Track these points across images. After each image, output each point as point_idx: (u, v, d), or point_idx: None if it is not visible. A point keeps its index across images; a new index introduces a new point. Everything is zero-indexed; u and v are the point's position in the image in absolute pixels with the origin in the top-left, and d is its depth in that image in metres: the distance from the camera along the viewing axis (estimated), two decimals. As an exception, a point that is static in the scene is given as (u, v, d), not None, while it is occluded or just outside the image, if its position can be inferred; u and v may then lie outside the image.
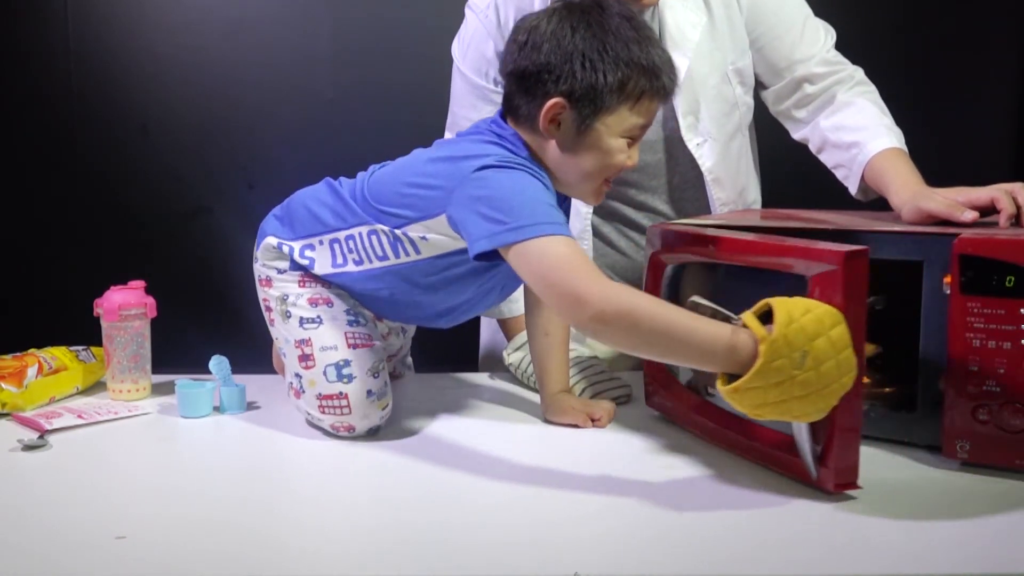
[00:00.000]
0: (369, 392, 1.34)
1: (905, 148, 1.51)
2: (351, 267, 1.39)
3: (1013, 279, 1.10)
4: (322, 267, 1.41)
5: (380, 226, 1.34)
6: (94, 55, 1.91)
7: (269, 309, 1.45)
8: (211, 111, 1.91)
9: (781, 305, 1.05)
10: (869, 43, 1.87)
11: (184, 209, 1.95)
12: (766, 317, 1.06)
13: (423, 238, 1.31)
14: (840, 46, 1.65)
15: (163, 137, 1.93)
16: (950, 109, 2.07)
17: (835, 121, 1.58)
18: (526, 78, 1.25)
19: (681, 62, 1.53)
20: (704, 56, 1.61)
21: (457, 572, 0.94)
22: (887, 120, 1.56)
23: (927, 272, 1.20)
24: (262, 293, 1.46)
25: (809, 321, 1.04)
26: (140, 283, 1.61)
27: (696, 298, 1.12)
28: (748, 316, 1.06)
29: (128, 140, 1.93)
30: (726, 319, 1.09)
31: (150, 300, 1.60)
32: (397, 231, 1.33)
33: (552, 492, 1.14)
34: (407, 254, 1.35)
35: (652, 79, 1.24)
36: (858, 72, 1.63)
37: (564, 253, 1.14)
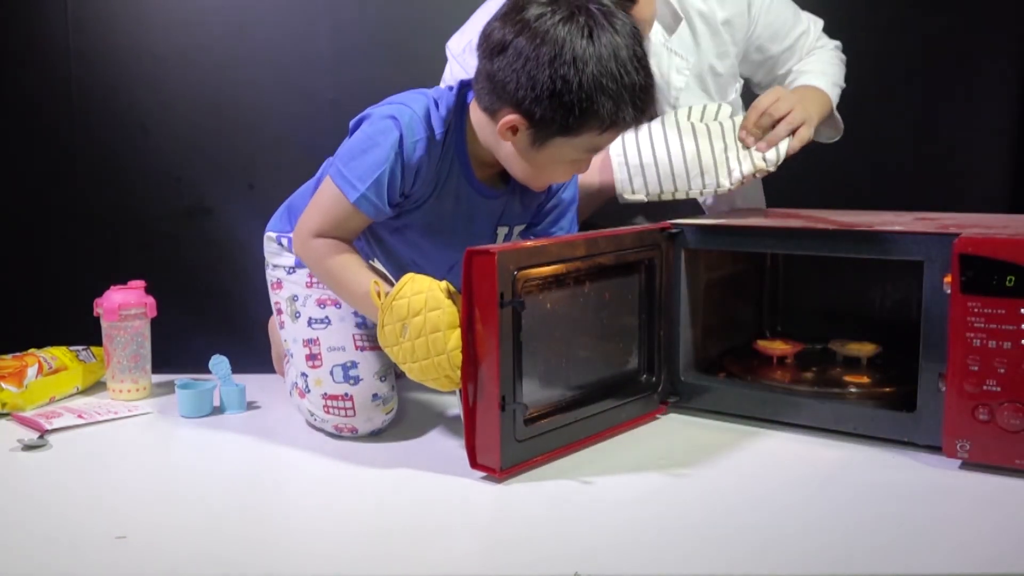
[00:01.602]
0: (375, 396, 1.34)
1: (828, 90, 1.64)
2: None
3: (1013, 279, 1.10)
4: None
5: None
6: (94, 55, 1.91)
7: (280, 312, 1.46)
8: (211, 111, 1.91)
9: (405, 281, 1.20)
10: (869, 43, 1.87)
11: (184, 209, 1.95)
12: None
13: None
14: (841, 46, 1.65)
15: (163, 137, 1.93)
16: (950, 110, 2.07)
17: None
18: (494, 82, 1.22)
19: (664, 108, 1.60)
20: (690, 96, 1.65)
21: (457, 572, 0.94)
22: (828, 68, 1.69)
23: (927, 272, 1.20)
24: (273, 297, 1.48)
25: (416, 300, 1.18)
26: (140, 283, 1.61)
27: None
28: (373, 282, 1.23)
29: (128, 140, 1.93)
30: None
31: (150, 300, 1.60)
32: None
33: (552, 492, 1.14)
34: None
35: (625, 111, 1.19)
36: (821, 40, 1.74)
37: (328, 203, 1.31)
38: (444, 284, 1.21)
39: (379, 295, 1.21)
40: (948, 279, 1.15)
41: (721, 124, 1.51)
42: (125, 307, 1.57)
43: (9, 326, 1.89)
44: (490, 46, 1.22)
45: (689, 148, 1.51)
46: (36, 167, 1.96)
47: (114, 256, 1.95)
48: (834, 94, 1.67)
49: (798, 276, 1.24)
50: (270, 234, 1.49)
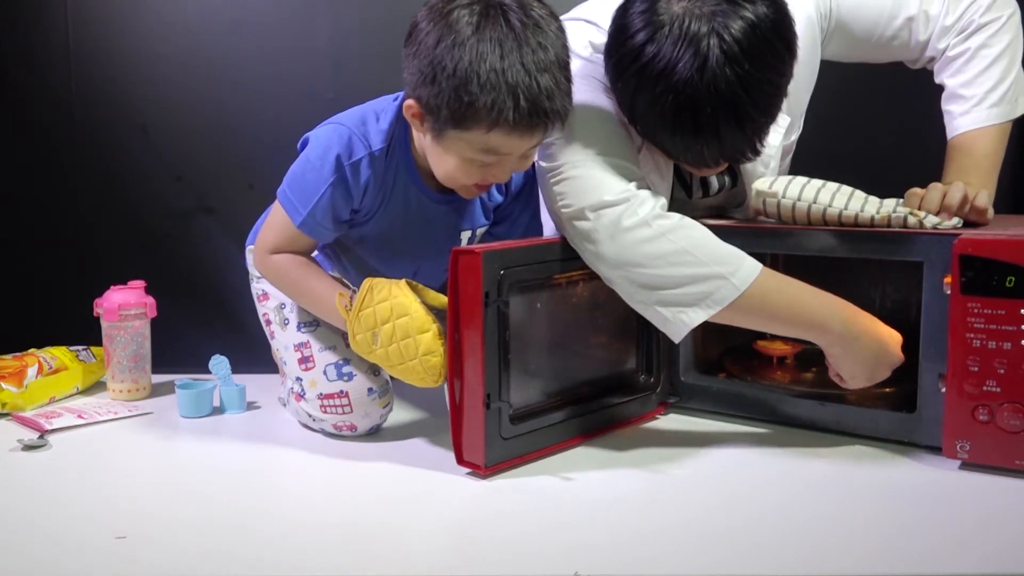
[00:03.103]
0: (370, 390, 1.34)
1: (989, 121, 1.40)
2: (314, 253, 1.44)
3: (1013, 279, 1.10)
4: None
5: None
6: (94, 55, 1.91)
7: (269, 322, 1.46)
8: (211, 111, 1.91)
9: (366, 290, 1.25)
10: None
11: (184, 209, 1.95)
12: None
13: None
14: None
15: (163, 137, 1.93)
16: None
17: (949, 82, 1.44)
18: (404, 69, 1.24)
19: (759, 170, 1.40)
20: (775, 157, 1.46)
21: (458, 572, 0.94)
22: (987, 78, 1.41)
23: (927, 272, 1.20)
24: (261, 309, 1.49)
25: (382, 309, 1.23)
26: (140, 283, 1.61)
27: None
28: (338, 295, 1.29)
29: (128, 140, 1.93)
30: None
31: (150, 300, 1.60)
32: None
33: (552, 491, 1.14)
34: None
35: (506, 110, 1.15)
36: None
37: (279, 223, 1.36)
38: (403, 283, 1.25)
39: (346, 308, 1.26)
40: (948, 280, 1.15)
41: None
42: (125, 307, 1.57)
43: (9, 326, 1.89)
44: (407, 34, 1.23)
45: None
46: (36, 167, 1.96)
47: (114, 256, 1.95)
48: (1000, 111, 1.39)
49: (798, 276, 1.24)
50: (251, 247, 1.50)
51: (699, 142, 1.19)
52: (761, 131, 1.22)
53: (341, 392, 1.34)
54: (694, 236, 1.21)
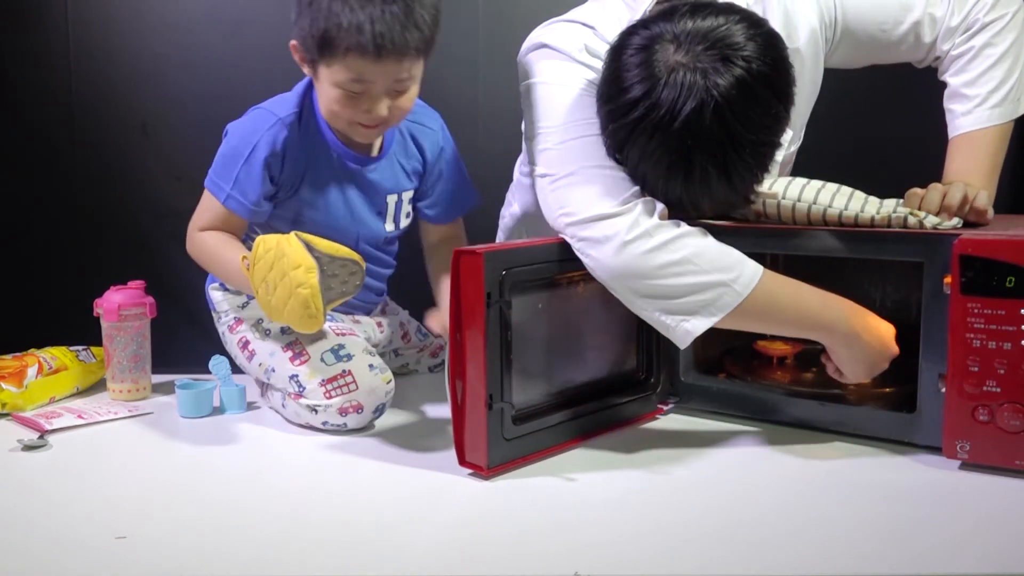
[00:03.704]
0: (371, 366, 1.37)
1: (991, 121, 1.39)
2: None
3: (1013, 279, 1.10)
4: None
5: None
6: (94, 55, 1.91)
7: (245, 346, 1.49)
8: (211, 111, 1.90)
9: (257, 244, 1.30)
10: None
11: (184, 209, 1.94)
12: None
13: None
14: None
15: (163, 137, 1.93)
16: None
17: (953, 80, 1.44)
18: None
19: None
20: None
21: (458, 572, 0.94)
22: (990, 78, 1.40)
23: (927, 272, 1.20)
24: (233, 339, 1.52)
25: (267, 256, 1.28)
26: (140, 283, 1.61)
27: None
28: (241, 257, 1.34)
29: (128, 140, 1.93)
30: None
31: (150, 300, 1.60)
32: None
33: (554, 492, 1.14)
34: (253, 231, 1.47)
35: (361, 30, 1.25)
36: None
37: (206, 205, 1.44)
38: (292, 235, 1.30)
39: (247, 267, 1.32)
40: (948, 280, 1.15)
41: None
42: (125, 307, 1.57)
43: (9, 326, 1.89)
44: None
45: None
46: (36, 167, 1.96)
47: (114, 256, 1.95)
48: (1002, 111, 1.39)
49: (798, 276, 1.24)
50: (214, 285, 1.55)
51: (689, 194, 1.21)
52: (752, 186, 1.23)
53: (344, 371, 1.36)
54: (695, 244, 1.21)
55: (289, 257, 1.27)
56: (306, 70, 1.38)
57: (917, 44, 1.43)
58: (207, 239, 1.44)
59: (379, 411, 1.38)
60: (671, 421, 1.41)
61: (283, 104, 1.42)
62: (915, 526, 1.02)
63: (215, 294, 1.55)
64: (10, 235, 1.97)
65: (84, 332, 1.68)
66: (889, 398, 1.32)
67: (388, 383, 1.38)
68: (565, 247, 1.26)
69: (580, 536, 1.01)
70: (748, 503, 1.10)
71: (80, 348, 1.66)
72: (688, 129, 1.14)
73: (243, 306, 1.52)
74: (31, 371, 1.53)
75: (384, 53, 1.27)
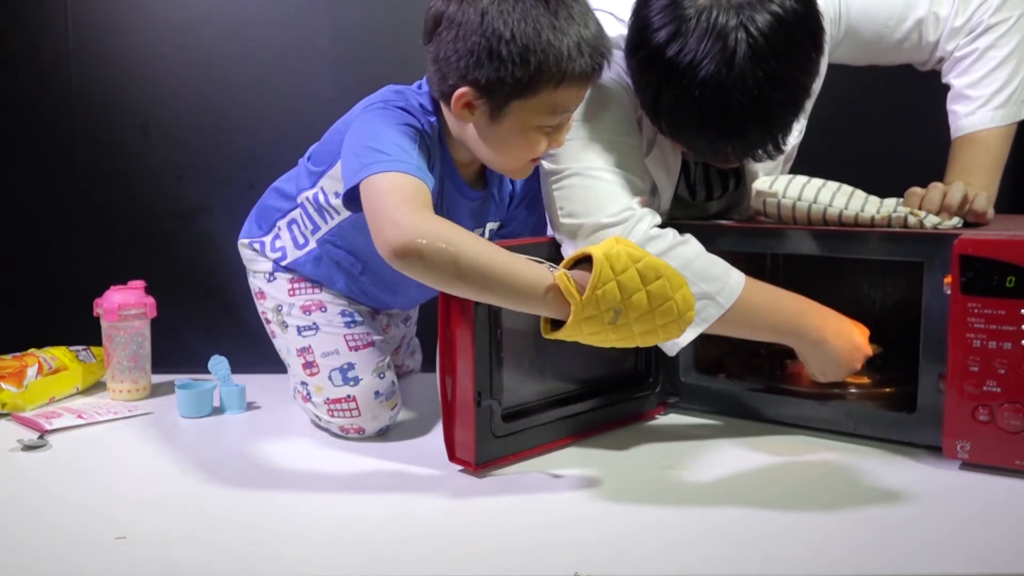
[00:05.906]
0: (377, 393, 1.34)
1: (993, 123, 1.39)
2: (312, 244, 1.41)
3: (1013, 279, 1.10)
4: (292, 253, 1.43)
5: (308, 192, 1.38)
6: (94, 55, 1.91)
7: (268, 322, 1.47)
8: (211, 111, 1.90)
9: (599, 262, 1.05)
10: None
11: (184, 209, 1.95)
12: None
13: (336, 194, 1.32)
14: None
15: (163, 137, 1.93)
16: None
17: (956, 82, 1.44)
18: (438, 63, 1.19)
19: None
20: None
21: (458, 572, 0.94)
22: (993, 79, 1.40)
23: (927, 272, 1.20)
24: (260, 307, 1.49)
25: (628, 278, 1.05)
26: (140, 283, 1.61)
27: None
28: (561, 275, 1.06)
29: (128, 140, 1.93)
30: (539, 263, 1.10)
31: (150, 300, 1.60)
32: (319, 194, 1.36)
33: (553, 491, 1.14)
34: (331, 216, 1.37)
35: (572, 59, 1.14)
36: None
37: (393, 183, 1.10)
38: (616, 239, 1.10)
39: (576, 291, 1.05)
40: (948, 280, 1.15)
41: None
42: (125, 307, 1.57)
43: (9, 326, 1.89)
44: (427, 29, 1.20)
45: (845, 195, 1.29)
46: (36, 167, 1.96)
47: (114, 256, 1.95)
48: (1005, 113, 1.38)
49: (798, 276, 1.24)
50: (243, 241, 1.50)
51: (724, 139, 1.19)
52: (786, 128, 1.21)
53: (348, 396, 1.34)
54: (684, 255, 1.23)
55: (669, 278, 1.08)
56: (470, 117, 1.20)
57: (920, 43, 1.43)
58: (445, 228, 1.08)
59: (383, 431, 1.37)
60: (671, 421, 1.41)
61: (421, 112, 1.27)
62: (915, 526, 1.02)
63: (245, 251, 1.49)
64: (10, 235, 1.97)
65: (84, 332, 1.68)
66: (889, 398, 1.32)
67: (393, 408, 1.37)
68: (556, 245, 1.27)
69: (580, 536, 1.01)
70: (747, 503, 1.10)
71: (80, 348, 1.66)
72: (724, 68, 1.12)
73: (269, 278, 1.45)
74: (31, 371, 1.53)
75: (595, 75, 1.18)
